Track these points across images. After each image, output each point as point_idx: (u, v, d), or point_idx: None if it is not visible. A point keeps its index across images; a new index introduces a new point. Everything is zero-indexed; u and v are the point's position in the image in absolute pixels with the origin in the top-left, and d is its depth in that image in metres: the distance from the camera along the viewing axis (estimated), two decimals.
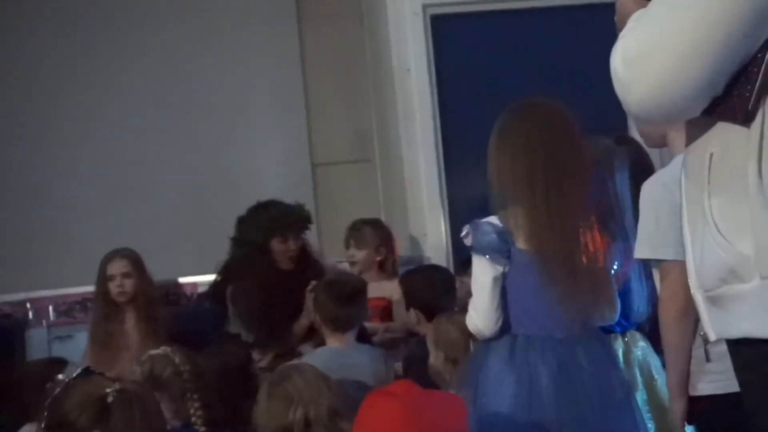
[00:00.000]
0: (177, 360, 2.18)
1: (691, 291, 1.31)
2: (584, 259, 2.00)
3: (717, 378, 1.89)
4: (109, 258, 3.19)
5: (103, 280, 3.15)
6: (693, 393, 1.93)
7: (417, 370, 2.39)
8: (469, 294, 2.78)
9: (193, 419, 2.11)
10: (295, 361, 2.39)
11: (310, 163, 4.31)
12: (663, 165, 3.47)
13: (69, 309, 3.74)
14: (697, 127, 1.27)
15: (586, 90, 2.83)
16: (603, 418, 1.94)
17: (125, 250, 3.23)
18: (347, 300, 2.66)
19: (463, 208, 3.56)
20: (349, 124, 4.32)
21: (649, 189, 1.93)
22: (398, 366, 2.75)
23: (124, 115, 4.12)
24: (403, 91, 3.73)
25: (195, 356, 2.26)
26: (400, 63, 3.71)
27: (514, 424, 1.93)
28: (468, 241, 2.04)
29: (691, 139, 1.29)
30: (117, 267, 3.16)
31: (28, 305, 3.79)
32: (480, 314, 2.01)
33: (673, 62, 1.16)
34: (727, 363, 1.81)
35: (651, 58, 1.17)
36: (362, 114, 4.25)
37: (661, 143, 2.04)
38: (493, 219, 2.03)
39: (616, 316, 2.08)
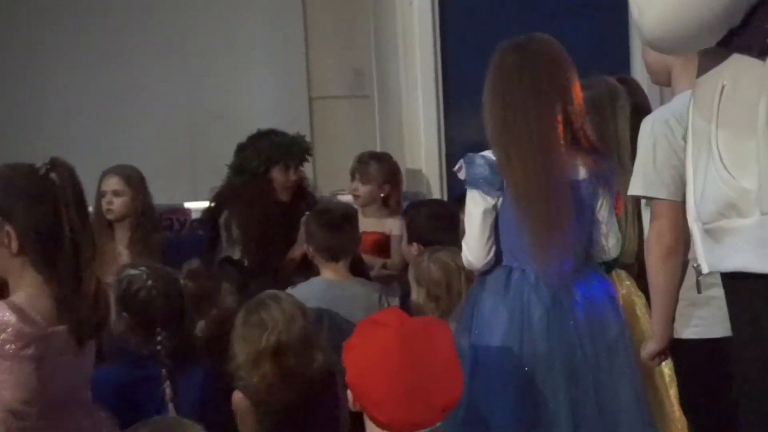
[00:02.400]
0: (150, 283, 2.12)
1: (689, 222, 1.32)
2: (578, 196, 1.99)
3: (701, 323, 1.91)
4: (104, 174, 3.11)
5: (96, 195, 3.05)
6: (678, 336, 1.93)
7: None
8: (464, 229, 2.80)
9: (158, 347, 2.08)
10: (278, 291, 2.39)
11: (308, 96, 4.27)
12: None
13: None
14: (710, 57, 1.25)
15: (589, 30, 2.79)
16: (593, 352, 1.96)
17: (124, 167, 3.13)
18: (337, 227, 2.66)
19: (460, 146, 3.54)
20: (348, 58, 4.27)
21: (650, 125, 1.91)
22: (395, 302, 2.76)
23: (119, 44, 4.06)
24: (405, 26, 3.67)
25: (174, 282, 2.20)
26: None
27: (507, 356, 1.95)
28: (461, 175, 2.03)
29: (703, 69, 1.27)
30: (109, 184, 3.08)
31: None
32: (471, 247, 2.02)
33: None
34: (712, 309, 1.83)
35: None
36: (362, 49, 4.21)
37: (667, 81, 2.01)
38: (488, 153, 2.02)
39: (617, 251, 2.08)
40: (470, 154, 2.03)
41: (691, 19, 1.18)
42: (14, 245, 1.60)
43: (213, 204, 3.27)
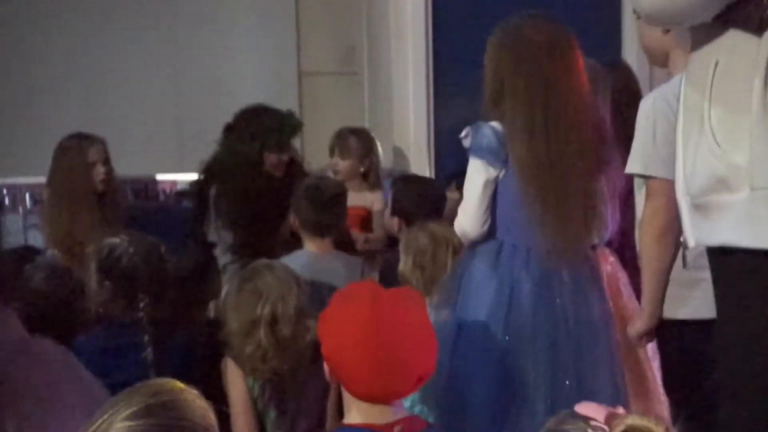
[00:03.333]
0: (132, 250, 2.14)
1: (677, 196, 1.32)
2: (579, 180, 1.99)
3: (690, 304, 1.93)
4: (86, 143, 3.04)
5: (81, 166, 3.01)
6: (666, 316, 1.94)
7: (392, 281, 2.40)
8: (451, 209, 2.80)
9: (141, 314, 2.09)
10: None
11: (297, 72, 4.24)
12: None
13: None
14: (705, 32, 1.25)
15: (581, 12, 2.77)
16: (576, 331, 1.96)
17: (96, 136, 3.08)
18: (325, 204, 2.65)
19: (449, 124, 3.54)
20: (339, 35, 4.24)
21: (650, 103, 1.91)
22: (375, 276, 2.76)
23: (108, 9, 4.00)
24: (397, 4, 3.65)
25: (156, 248, 2.21)
26: None
27: (492, 327, 1.96)
28: (466, 143, 2.02)
29: (697, 44, 1.27)
30: (97, 153, 3.04)
31: (4, 191, 3.73)
32: (467, 216, 2.01)
33: None
34: (701, 291, 1.84)
35: None
36: (353, 26, 4.18)
37: (664, 63, 2.01)
38: (495, 123, 2.01)
39: (608, 234, 2.09)
40: (478, 122, 2.01)
41: None
42: None
43: (202, 177, 3.24)
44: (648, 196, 1.91)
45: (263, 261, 2.22)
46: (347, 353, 1.45)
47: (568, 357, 1.95)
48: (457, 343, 1.99)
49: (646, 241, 1.91)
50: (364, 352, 1.43)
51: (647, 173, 1.89)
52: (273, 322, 2.05)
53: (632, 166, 1.92)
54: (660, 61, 2.03)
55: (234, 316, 2.08)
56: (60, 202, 3.02)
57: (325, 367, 1.53)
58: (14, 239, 3.56)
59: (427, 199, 2.76)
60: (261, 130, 3.10)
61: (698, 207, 1.27)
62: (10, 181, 3.71)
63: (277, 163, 3.14)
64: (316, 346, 2.09)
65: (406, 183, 2.88)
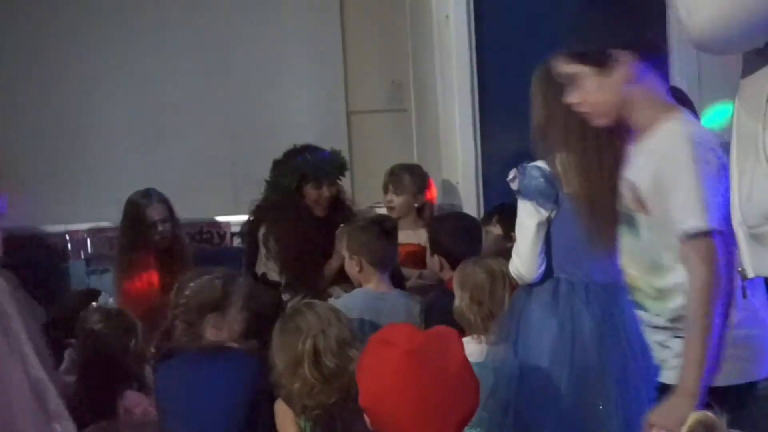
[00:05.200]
0: (221, 283, 2.28)
1: (733, 226, 1.29)
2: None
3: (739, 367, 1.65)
4: (144, 203, 3.21)
5: (137, 224, 3.18)
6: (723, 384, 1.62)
7: (438, 318, 2.40)
8: (495, 242, 2.80)
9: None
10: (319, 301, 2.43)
11: (346, 111, 4.31)
12: None
13: (105, 243, 3.82)
14: (758, 58, 1.23)
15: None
16: (644, 363, 1.92)
17: (157, 192, 3.24)
18: (387, 236, 2.68)
19: (496, 159, 3.54)
20: (385, 72, 4.30)
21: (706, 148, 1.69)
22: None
23: (161, 57, 4.15)
24: (441, 39, 3.69)
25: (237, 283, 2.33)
26: (439, 9, 3.67)
27: (557, 367, 1.93)
28: (514, 185, 2.01)
29: (749, 69, 1.25)
30: (157, 212, 3.20)
31: (68, 237, 3.89)
32: (522, 259, 1.99)
33: None
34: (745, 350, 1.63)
35: None
36: (399, 63, 4.23)
37: (612, 120, 1.73)
38: (541, 163, 1.99)
39: None
40: (525, 164, 2.01)
41: (744, 19, 1.15)
42: None
43: (252, 218, 3.32)
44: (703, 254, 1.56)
45: (304, 301, 2.29)
46: (385, 403, 1.44)
47: (641, 392, 1.90)
48: (521, 384, 1.97)
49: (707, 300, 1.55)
50: (402, 402, 1.42)
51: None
52: (316, 355, 2.08)
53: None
54: (609, 119, 1.73)
55: (279, 356, 2.13)
56: (127, 253, 3.21)
57: (366, 417, 1.52)
58: (77, 284, 3.68)
59: (464, 234, 2.77)
60: (301, 164, 3.20)
61: (756, 237, 1.23)
62: (73, 227, 3.86)
63: (316, 198, 3.21)
64: None
65: (441, 222, 2.90)
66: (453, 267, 2.56)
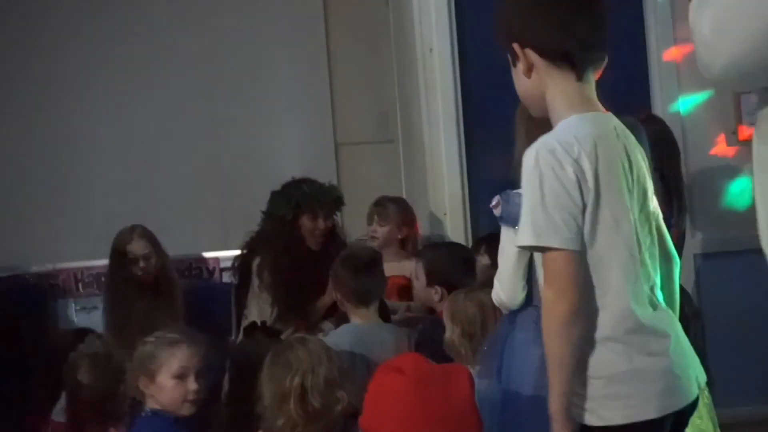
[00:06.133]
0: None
1: (763, 247, 1.29)
2: None
3: (628, 404, 1.52)
4: (126, 239, 3.21)
5: (121, 260, 3.18)
6: (597, 423, 1.53)
7: (429, 349, 2.39)
8: (483, 271, 2.79)
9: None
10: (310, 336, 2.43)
11: (334, 142, 4.34)
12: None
13: (93, 281, 3.81)
14: None
15: (612, 68, 2.81)
16: None
17: (140, 228, 3.25)
18: (364, 271, 2.67)
19: (483, 189, 3.56)
20: (373, 104, 4.33)
21: (533, 157, 1.56)
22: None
23: (146, 91, 4.18)
24: (426, 72, 3.72)
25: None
26: (423, 43, 3.71)
27: (540, 398, 1.93)
28: (497, 212, 2.02)
29: (766, 101, 1.26)
30: (139, 248, 3.20)
31: (59, 276, 3.89)
32: (504, 285, 1.99)
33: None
34: (638, 383, 1.48)
35: (742, 20, 1.15)
36: (386, 94, 4.27)
37: (544, 111, 1.66)
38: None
39: None
40: (507, 191, 2.00)
41: (766, 59, 1.15)
42: None
43: (245, 250, 3.32)
44: (547, 272, 1.53)
45: (297, 336, 2.27)
46: (385, 427, 1.45)
47: None
48: (504, 413, 1.96)
49: (553, 328, 1.52)
50: (402, 427, 1.42)
51: (541, 244, 1.51)
52: (303, 393, 2.08)
53: (524, 237, 1.53)
54: (540, 110, 1.66)
55: (267, 388, 2.12)
56: (114, 289, 3.20)
57: None
58: (64, 323, 3.67)
59: (460, 262, 2.76)
60: (298, 195, 3.20)
61: None
62: (60, 266, 3.85)
63: (312, 229, 3.20)
64: (346, 417, 2.12)
65: (435, 250, 2.89)
66: None
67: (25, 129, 4.06)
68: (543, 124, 1.93)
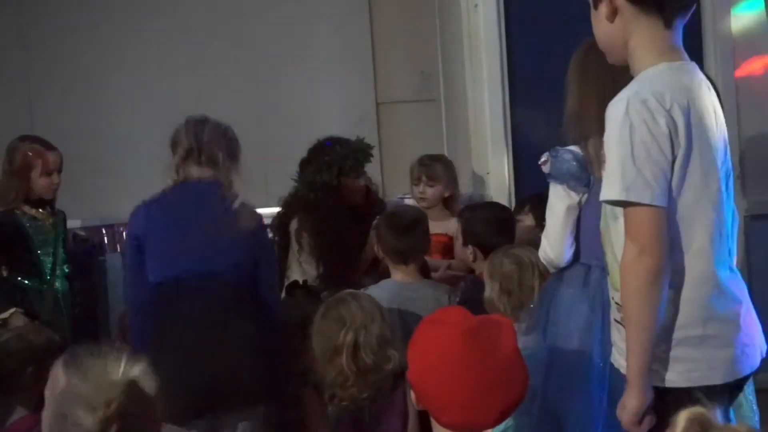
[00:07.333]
0: None
1: None
2: None
3: (694, 368, 1.49)
4: None
5: None
6: (657, 383, 1.50)
7: (469, 309, 2.40)
8: (525, 232, 2.79)
9: None
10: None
11: (375, 101, 4.32)
12: None
13: None
14: None
15: None
16: None
17: None
18: (407, 231, 2.68)
19: (527, 148, 3.52)
20: (414, 63, 4.30)
21: (623, 108, 1.48)
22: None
23: (187, 52, 4.19)
24: (470, 29, 3.67)
25: None
26: None
27: (586, 350, 1.93)
28: (546, 168, 2.01)
29: None
30: None
31: (104, 231, 3.96)
32: (551, 242, 1.99)
33: None
34: (708, 349, 1.46)
35: None
36: (428, 53, 4.22)
37: (625, 59, 1.58)
38: (573, 148, 1.98)
39: None
40: (557, 148, 2.00)
41: None
42: None
43: (283, 212, 3.34)
44: (631, 229, 1.46)
45: (349, 291, 2.28)
46: (431, 380, 1.44)
47: None
48: (549, 369, 1.97)
49: (633, 288, 1.45)
50: (447, 381, 1.42)
51: (630, 199, 1.45)
52: (355, 349, 2.09)
53: (610, 191, 1.47)
54: (621, 57, 1.58)
55: (317, 341, 2.14)
56: None
57: (411, 392, 1.53)
58: (114, 276, 3.74)
59: (497, 224, 2.76)
60: (336, 158, 3.19)
61: None
62: (109, 222, 3.93)
63: (354, 187, 3.21)
64: (396, 376, 2.14)
65: (473, 211, 2.88)
66: (486, 257, 2.56)
67: (80, 98, 4.12)
68: (599, 81, 1.91)
